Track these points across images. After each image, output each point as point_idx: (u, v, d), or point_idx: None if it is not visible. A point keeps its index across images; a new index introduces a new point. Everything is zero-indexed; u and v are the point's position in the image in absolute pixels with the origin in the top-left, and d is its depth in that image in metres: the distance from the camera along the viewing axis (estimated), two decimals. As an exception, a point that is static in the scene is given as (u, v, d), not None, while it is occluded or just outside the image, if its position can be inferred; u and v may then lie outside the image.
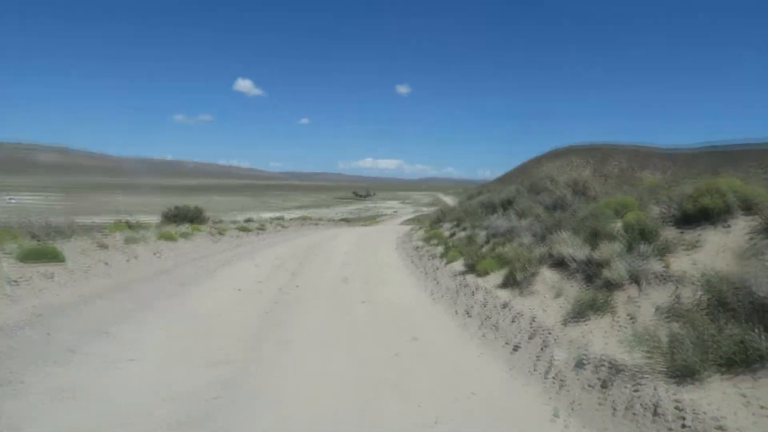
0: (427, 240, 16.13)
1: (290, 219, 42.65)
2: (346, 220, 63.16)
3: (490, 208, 17.10)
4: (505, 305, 6.87)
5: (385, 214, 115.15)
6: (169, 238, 15.20)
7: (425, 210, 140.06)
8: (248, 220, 35.19)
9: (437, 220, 24.92)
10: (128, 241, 12.98)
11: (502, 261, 8.18)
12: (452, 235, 15.14)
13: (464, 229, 14.58)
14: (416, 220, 73.49)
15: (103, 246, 11.09)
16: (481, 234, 11.57)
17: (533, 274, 7.10)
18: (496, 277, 8.12)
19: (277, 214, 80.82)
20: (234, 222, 34.78)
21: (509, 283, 7.46)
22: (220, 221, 30.24)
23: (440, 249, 13.11)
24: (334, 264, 13.14)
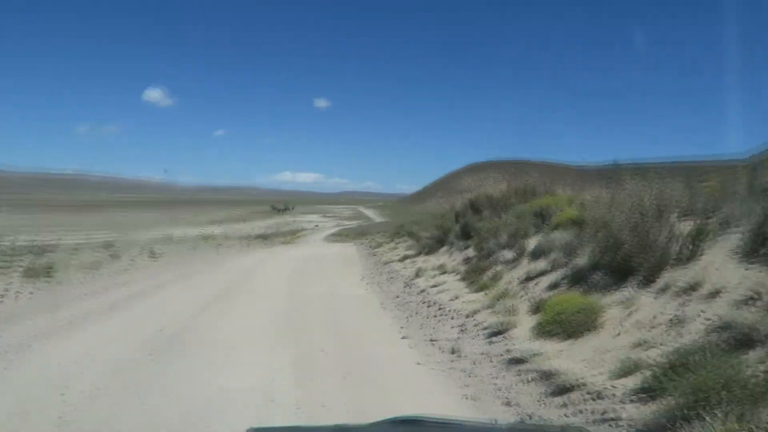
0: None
1: (181, 239, 29.15)
2: (263, 237, 49.65)
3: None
4: None
5: (306, 229, 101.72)
6: None
7: (348, 224, 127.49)
8: (108, 245, 21.59)
9: (438, 242, 13.28)
10: None
11: None
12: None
13: None
14: (344, 235, 61.51)
15: None
16: None
17: None
18: None
19: (178, 232, 65.54)
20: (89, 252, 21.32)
21: None
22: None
23: None
24: None
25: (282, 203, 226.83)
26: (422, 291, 8.59)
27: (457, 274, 9.14)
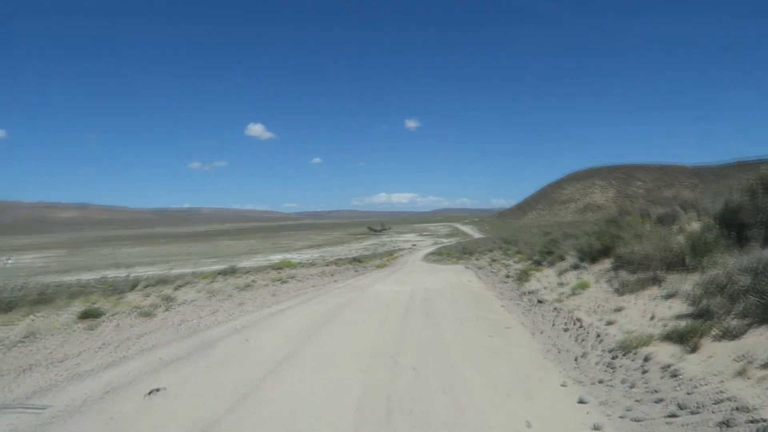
0: None
1: (245, 272, 22.26)
2: (358, 260, 42.20)
3: None
4: None
5: (403, 249, 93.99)
6: None
7: (446, 242, 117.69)
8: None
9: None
10: None
11: None
12: None
13: None
14: (446, 254, 52.82)
15: None
16: None
17: None
18: None
19: (274, 257, 60.57)
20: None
21: None
22: None
23: None
24: None
25: (378, 224, 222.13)
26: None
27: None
